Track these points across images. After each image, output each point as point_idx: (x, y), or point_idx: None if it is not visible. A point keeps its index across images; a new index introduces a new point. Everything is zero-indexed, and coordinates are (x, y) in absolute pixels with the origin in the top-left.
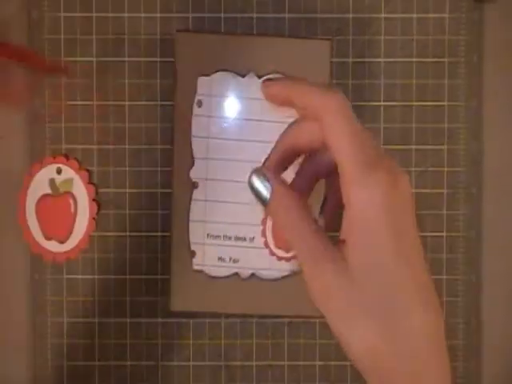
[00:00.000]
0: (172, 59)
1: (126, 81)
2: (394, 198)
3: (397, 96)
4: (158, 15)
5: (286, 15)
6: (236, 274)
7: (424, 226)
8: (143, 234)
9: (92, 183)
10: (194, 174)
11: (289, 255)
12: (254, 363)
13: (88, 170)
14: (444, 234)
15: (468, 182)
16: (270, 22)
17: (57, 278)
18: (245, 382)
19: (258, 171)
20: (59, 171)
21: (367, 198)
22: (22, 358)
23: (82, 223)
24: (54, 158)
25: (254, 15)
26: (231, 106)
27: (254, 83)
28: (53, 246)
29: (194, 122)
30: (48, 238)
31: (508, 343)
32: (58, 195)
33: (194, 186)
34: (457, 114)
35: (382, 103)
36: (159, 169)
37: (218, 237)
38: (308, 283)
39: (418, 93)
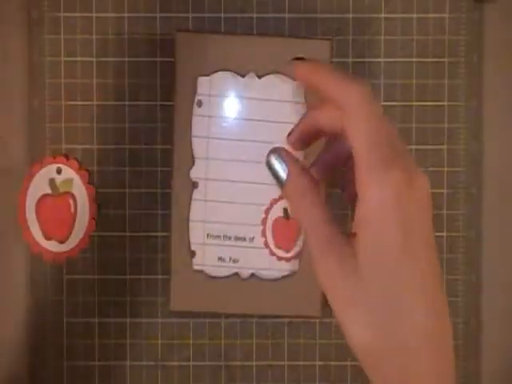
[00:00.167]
0: (172, 59)
1: (126, 81)
2: (407, 198)
3: (397, 96)
4: (158, 15)
5: (286, 15)
6: (236, 274)
7: None
8: (143, 234)
9: (92, 183)
10: (194, 174)
11: (289, 255)
12: (254, 363)
13: (88, 170)
14: (444, 233)
15: (468, 182)
16: (270, 21)
17: (57, 277)
18: (245, 382)
19: (276, 151)
20: (59, 171)
21: (379, 196)
22: (22, 357)
23: (82, 223)
24: (54, 157)
25: (254, 15)
26: (231, 106)
27: (254, 83)
28: (53, 246)
29: (194, 121)
30: (48, 238)
31: (507, 343)
32: (58, 195)
33: (194, 186)
34: (457, 114)
35: (382, 103)
36: (159, 169)
37: (218, 237)
38: (314, 268)
39: (418, 93)
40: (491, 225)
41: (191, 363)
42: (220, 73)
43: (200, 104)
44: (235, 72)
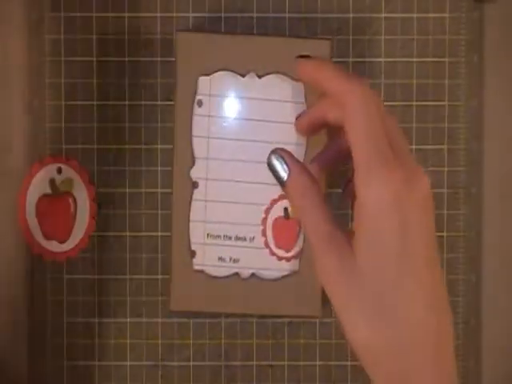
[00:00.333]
0: (172, 59)
1: (126, 81)
2: (405, 197)
3: (397, 96)
4: (158, 15)
5: (286, 15)
6: (236, 273)
7: None
8: (143, 234)
9: (92, 183)
10: (194, 174)
11: (289, 255)
12: (254, 363)
13: (88, 170)
14: (444, 233)
15: (468, 182)
16: (270, 21)
17: (57, 277)
18: (245, 382)
19: (277, 151)
20: (59, 171)
21: (377, 195)
22: (21, 357)
23: (82, 223)
24: (54, 157)
25: (254, 15)
26: (231, 106)
27: (254, 83)
28: (53, 246)
29: (195, 121)
30: (48, 238)
31: (508, 343)
32: (58, 195)
33: (194, 185)
34: (457, 113)
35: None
36: (159, 169)
37: (219, 237)
38: (315, 265)
39: (419, 93)
40: (491, 225)
41: (191, 363)
42: (220, 73)
43: (200, 104)
44: (235, 72)
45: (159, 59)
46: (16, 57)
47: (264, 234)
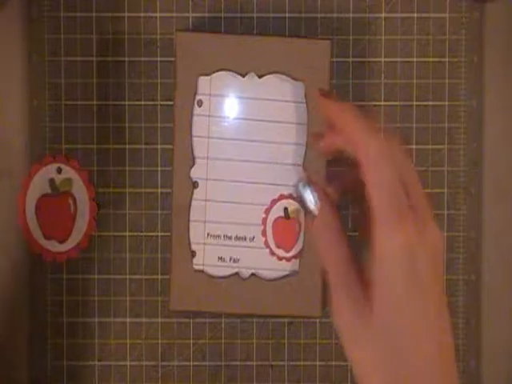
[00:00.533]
0: (172, 59)
1: (126, 81)
2: (417, 250)
3: (397, 96)
4: (158, 15)
5: (286, 15)
6: (236, 273)
7: None
8: (143, 234)
9: (92, 183)
10: (194, 174)
11: (289, 255)
12: (254, 363)
13: (88, 170)
14: (444, 234)
15: (468, 182)
16: (270, 21)
17: (57, 277)
18: (245, 382)
19: (307, 182)
20: (59, 171)
21: (390, 248)
22: (21, 357)
23: (82, 223)
24: (54, 157)
25: (254, 15)
26: (231, 106)
27: (254, 83)
28: (53, 246)
29: (195, 121)
30: (48, 238)
31: (508, 343)
32: (58, 195)
33: (194, 185)
34: (457, 113)
35: (383, 103)
36: (159, 169)
37: (219, 236)
38: (330, 306)
39: (419, 93)
40: (491, 225)
41: (191, 363)
42: (220, 73)
43: (200, 104)
44: (235, 72)
45: (159, 59)
46: (16, 57)
47: (264, 233)
